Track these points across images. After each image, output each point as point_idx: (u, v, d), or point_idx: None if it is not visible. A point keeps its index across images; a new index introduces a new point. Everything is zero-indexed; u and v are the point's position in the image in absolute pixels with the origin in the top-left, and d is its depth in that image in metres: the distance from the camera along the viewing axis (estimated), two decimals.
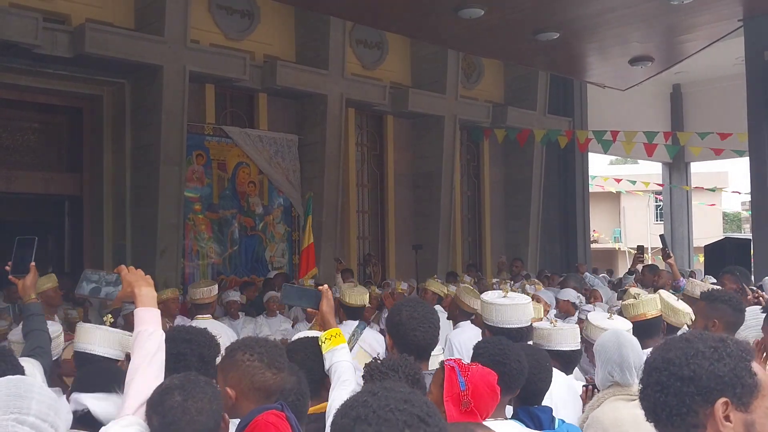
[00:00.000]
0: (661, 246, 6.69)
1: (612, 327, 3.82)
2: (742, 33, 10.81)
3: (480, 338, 4.91)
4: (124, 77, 9.76)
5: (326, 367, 2.66)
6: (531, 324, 3.49)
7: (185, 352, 2.49)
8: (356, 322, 4.61)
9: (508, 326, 3.34)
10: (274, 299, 7.91)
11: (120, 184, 9.93)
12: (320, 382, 2.71)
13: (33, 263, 3.07)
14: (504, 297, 3.46)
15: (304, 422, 2.43)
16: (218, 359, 2.52)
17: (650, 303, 3.86)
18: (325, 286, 2.92)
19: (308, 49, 11.50)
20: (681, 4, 9.21)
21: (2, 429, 1.55)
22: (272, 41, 11.38)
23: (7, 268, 3.09)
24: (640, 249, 8.54)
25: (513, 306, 3.36)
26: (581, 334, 3.65)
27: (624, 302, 4.12)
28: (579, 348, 3.64)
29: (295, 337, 3.20)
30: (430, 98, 12.82)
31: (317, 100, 11.36)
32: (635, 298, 3.86)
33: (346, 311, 5.00)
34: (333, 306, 2.86)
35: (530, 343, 3.40)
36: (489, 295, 3.51)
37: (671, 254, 6.47)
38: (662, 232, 9.26)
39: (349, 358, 2.69)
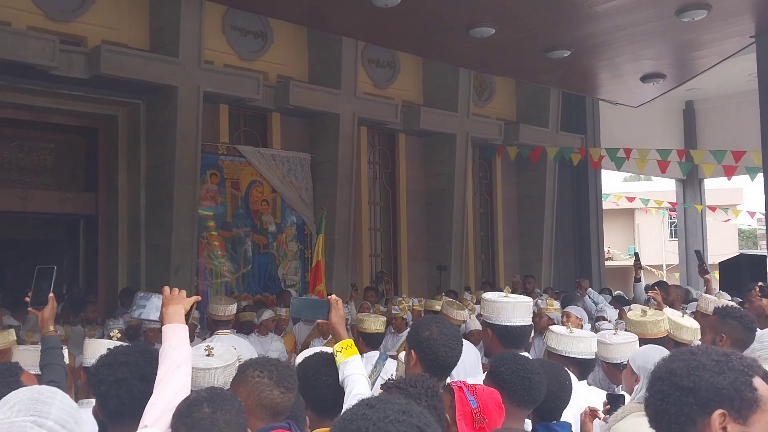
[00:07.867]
0: (697, 261, 6.72)
1: (616, 342, 3.84)
2: (755, 49, 10.79)
3: (470, 353, 4.90)
4: (139, 98, 9.88)
5: (340, 380, 2.64)
6: (531, 323, 3.43)
7: (125, 376, 2.29)
8: (377, 353, 4.47)
9: (510, 324, 3.22)
10: (271, 318, 7.87)
11: (135, 203, 10.02)
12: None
13: (52, 294, 2.99)
14: (505, 296, 3.40)
15: None
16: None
17: (656, 324, 3.88)
18: (334, 296, 2.88)
19: (321, 68, 11.60)
20: (692, 21, 9.21)
21: (20, 428, 1.58)
22: (285, 61, 11.49)
23: (27, 299, 3.02)
24: (637, 256, 8.47)
25: (515, 303, 3.29)
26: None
27: (629, 315, 4.13)
28: (594, 357, 3.67)
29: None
30: (441, 116, 12.86)
31: (329, 119, 11.43)
32: (643, 313, 3.86)
33: (364, 339, 4.67)
34: (343, 316, 2.82)
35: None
36: (490, 294, 3.47)
37: (708, 270, 6.49)
38: (698, 248, 9.22)
39: (362, 370, 2.66)
